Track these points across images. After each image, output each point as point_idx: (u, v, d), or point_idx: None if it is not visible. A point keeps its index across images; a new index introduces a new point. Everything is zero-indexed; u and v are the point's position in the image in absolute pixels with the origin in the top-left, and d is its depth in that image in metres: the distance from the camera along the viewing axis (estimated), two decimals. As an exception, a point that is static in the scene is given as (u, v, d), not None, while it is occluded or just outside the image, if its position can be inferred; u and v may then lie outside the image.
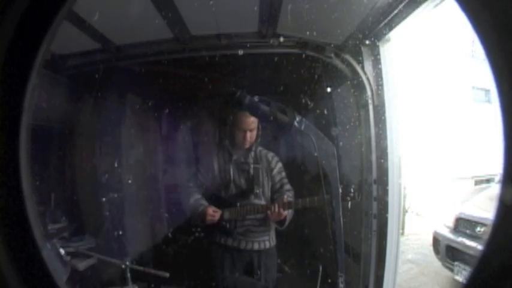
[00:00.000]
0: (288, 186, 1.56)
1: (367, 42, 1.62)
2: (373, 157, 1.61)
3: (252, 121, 1.49)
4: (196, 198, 1.52)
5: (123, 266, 1.29)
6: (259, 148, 1.57)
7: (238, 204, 1.52)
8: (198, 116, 1.89)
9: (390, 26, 1.50)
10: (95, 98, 1.49)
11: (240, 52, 1.50)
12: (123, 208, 1.74)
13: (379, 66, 1.63)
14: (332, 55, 1.67)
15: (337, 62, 1.67)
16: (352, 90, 1.71)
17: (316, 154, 1.14)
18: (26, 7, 0.57)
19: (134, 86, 1.34)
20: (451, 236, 2.32)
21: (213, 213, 1.48)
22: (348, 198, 1.40)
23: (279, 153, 1.61)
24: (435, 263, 2.44)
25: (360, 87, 1.65)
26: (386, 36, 1.59)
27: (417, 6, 1.35)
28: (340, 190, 1.29)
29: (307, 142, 1.15)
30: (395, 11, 1.40)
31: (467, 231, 2.24)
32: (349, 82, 1.70)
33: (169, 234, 1.83)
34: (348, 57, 1.67)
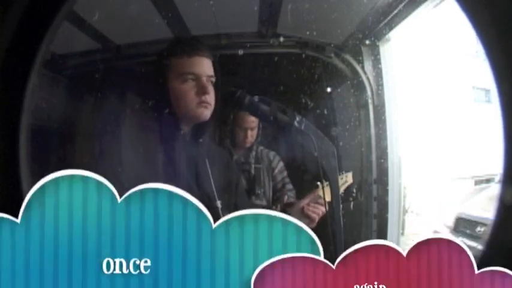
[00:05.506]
0: (289, 186, 1.56)
1: (367, 42, 1.62)
2: (373, 157, 1.61)
3: (253, 120, 1.49)
4: None
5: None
6: (260, 147, 1.57)
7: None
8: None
9: (390, 26, 1.51)
10: (95, 98, 1.49)
11: (240, 52, 1.50)
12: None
13: (379, 66, 1.63)
14: (332, 55, 1.67)
15: (337, 62, 1.67)
16: (352, 90, 1.70)
17: (316, 154, 1.13)
18: (26, 7, 0.57)
19: (134, 86, 1.34)
20: (451, 236, 2.31)
21: None
22: (351, 199, 1.40)
23: (279, 153, 1.61)
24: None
25: (360, 87, 1.65)
26: (386, 36, 1.59)
27: (417, 6, 1.36)
28: (342, 191, 1.28)
29: (307, 142, 1.14)
30: (395, 11, 1.40)
31: (467, 231, 2.23)
32: (349, 82, 1.70)
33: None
34: (348, 57, 1.67)
